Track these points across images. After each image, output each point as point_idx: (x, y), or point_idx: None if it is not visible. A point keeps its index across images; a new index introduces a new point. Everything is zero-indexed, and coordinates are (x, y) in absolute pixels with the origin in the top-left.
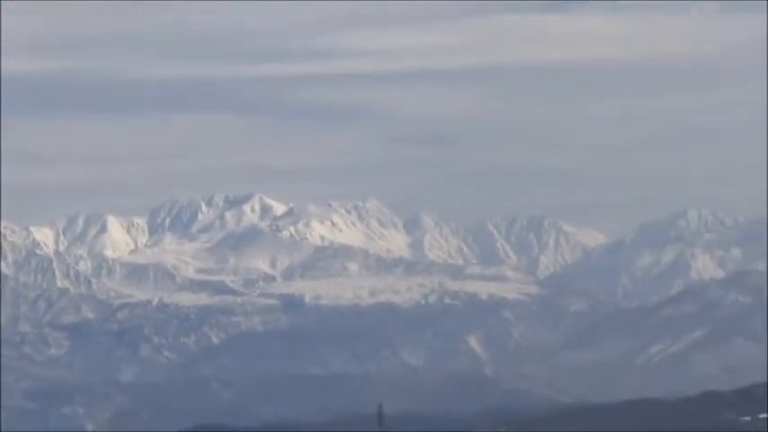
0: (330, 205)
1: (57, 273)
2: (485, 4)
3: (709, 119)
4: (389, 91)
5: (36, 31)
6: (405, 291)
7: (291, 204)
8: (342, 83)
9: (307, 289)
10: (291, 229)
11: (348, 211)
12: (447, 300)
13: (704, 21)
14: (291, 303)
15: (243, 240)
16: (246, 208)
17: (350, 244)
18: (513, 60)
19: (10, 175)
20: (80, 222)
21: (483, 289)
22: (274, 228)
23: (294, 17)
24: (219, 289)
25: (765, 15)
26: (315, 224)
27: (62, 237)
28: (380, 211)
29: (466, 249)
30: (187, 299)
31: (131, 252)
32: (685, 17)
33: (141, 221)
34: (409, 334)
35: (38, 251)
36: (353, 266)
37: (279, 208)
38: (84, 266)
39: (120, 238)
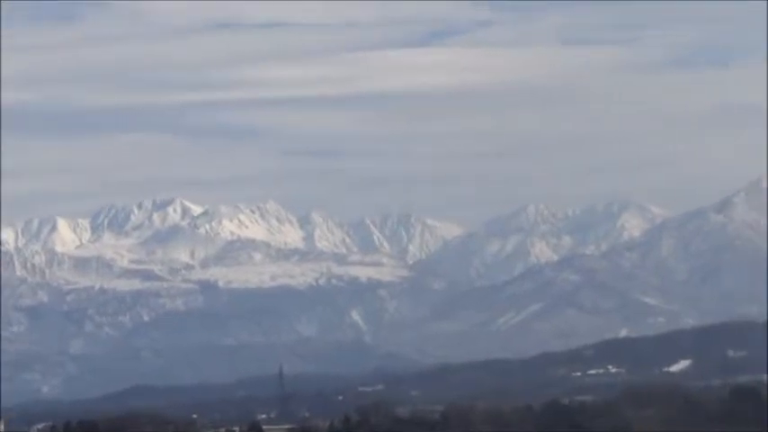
0: (238, 207)
1: (16, 265)
2: (365, 41)
3: (544, 131)
4: (285, 113)
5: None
6: (299, 275)
7: (206, 206)
8: (246, 107)
9: (220, 275)
10: (207, 226)
11: (252, 211)
12: (334, 282)
13: (544, 51)
14: (207, 287)
15: (167, 236)
16: (170, 210)
17: (254, 238)
18: (387, 86)
19: None
20: (35, 224)
21: (363, 273)
22: (193, 226)
23: (206, 53)
24: (149, 276)
25: (598, 47)
26: (226, 222)
27: (20, 236)
28: (279, 211)
29: (348, 241)
30: (123, 284)
31: (77, 247)
32: (528, 49)
33: (85, 222)
34: (303, 310)
35: (1, 248)
36: (258, 256)
37: (196, 209)
38: (39, 259)
39: (68, 236)
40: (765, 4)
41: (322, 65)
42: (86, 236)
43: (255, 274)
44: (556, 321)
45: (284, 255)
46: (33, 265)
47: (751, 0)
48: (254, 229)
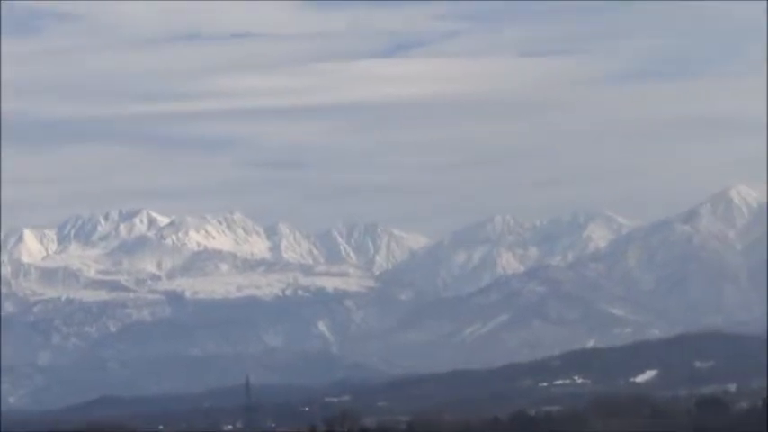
0: (204, 217)
1: None
2: (332, 52)
3: (510, 142)
4: (252, 123)
5: None
6: (266, 286)
7: (173, 217)
8: (213, 117)
9: (186, 285)
10: (173, 237)
11: (219, 222)
12: (300, 292)
13: (510, 62)
14: (174, 297)
15: (134, 247)
16: (137, 221)
17: (221, 248)
18: (354, 97)
19: None
20: (1, 234)
21: (329, 283)
22: (159, 236)
23: (174, 64)
24: (115, 287)
25: (564, 58)
26: (192, 233)
27: None
28: (245, 222)
29: (315, 251)
30: (89, 295)
31: (44, 258)
32: (493, 60)
33: (51, 233)
34: (270, 321)
35: None
36: (224, 267)
37: (163, 220)
38: (6, 270)
39: (34, 247)
40: (723, 16)
41: (289, 75)
42: (53, 246)
43: (222, 285)
44: (522, 332)
45: (251, 265)
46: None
47: (709, 11)
48: (221, 240)
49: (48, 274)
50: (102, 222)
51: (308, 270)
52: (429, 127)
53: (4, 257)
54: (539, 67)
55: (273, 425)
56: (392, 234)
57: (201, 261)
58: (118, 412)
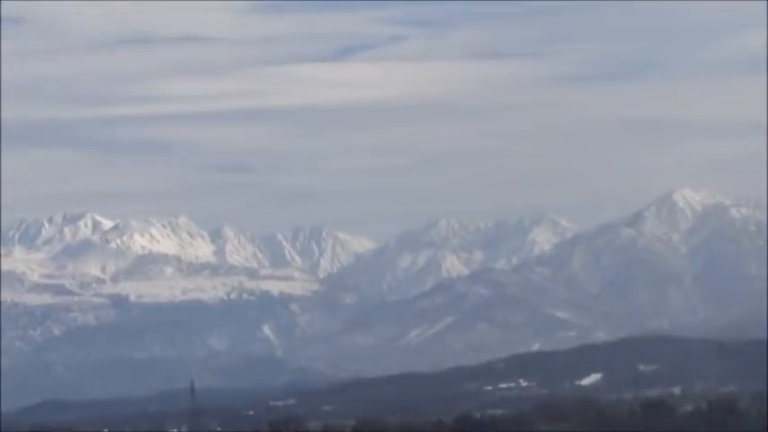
0: (149, 221)
1: None
2: (276, 56)
3: (455, 146)
4: (196, 127)
5: None
6: (211, 289)
7: (117, 221)
8: (157, 121)
9: (131, 289)
10: (118, 240)
11: (164, 226)
12: (245, 296)
13: (454, 66)
14: (118, 301)
15: (78, 251)
16: (81, 224)
17: (165, 252)
18: (298, 101)
19: None
20: None
21: (274, 287)
22: (104, 240)
23: (118, 68)
24: (60, 290)
25: (507, 61)
26: (137, 236)
27: None
28: (190, 225)
29: (260, 255)
30: (34, 299)
31: None
32: (438, 63)
33: None
34: (215, 324)
35: None
36: (169, 270)
37: (107, 224)
38: None
39: None
40: (669, 20)
41: (234, 79)
42: None
43: (167, 289)
44: (467, 335)
45: (195, 269)
46: None
47: (657, 15)
48: (166, 244)
49: None
50: (47, 226)
51: (252, 274)
52: (374, 131)
53: None
54: (484, 71)
55: (218, 428)
56: (337, 238)
57: (146, 265)
58: (63, 416)
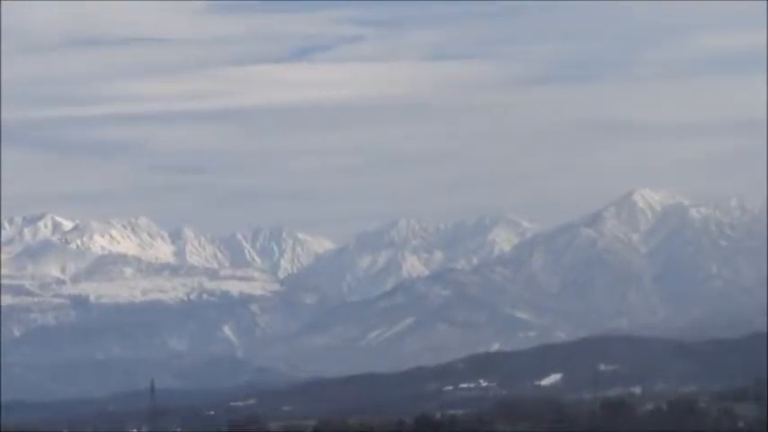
0: (109, 222)
1: None
2: (233, 56)
3: (414, 146)
4: (155, 128)
5: None
6: (171, 290)
7: (77, 221)
8: (116, 122)
9: (91, 290)
10: (78, 241)
11: (124, 227)
12: (205, 296)
13: (412, 67)
14: (79, 302)
15: (38, 251)
16: (41, 225)
17: (126, 253)
18: (256, 102)
19: None
20: None
21: (234, 287)
22: (64, 241)
23: (75, 69)
24: (20, 291)
25: (465, 62)
26: (97, 237)
27: None
28: (150, 226)
29: (220, 255)
30: None
31: None
32: (396, 64)
33: None
34: (175, 325)
35: None
36: (129, 271)
37: (67, 225)
38: None
39: None
40: (627, 21)
41: (192, 80)
42: None
43: (127, 289)
44: (427, 336)
45: (155, 269)
46: None
47: (615, 16)
48: (126, 244)
49: None
50: (7, 227)
51: (212, 274)
52: (333, 131)
53: None
54: (442, 72)
55: (178, 429)
56: (297, 238)
57: (106, 265)
58: (24, 417)
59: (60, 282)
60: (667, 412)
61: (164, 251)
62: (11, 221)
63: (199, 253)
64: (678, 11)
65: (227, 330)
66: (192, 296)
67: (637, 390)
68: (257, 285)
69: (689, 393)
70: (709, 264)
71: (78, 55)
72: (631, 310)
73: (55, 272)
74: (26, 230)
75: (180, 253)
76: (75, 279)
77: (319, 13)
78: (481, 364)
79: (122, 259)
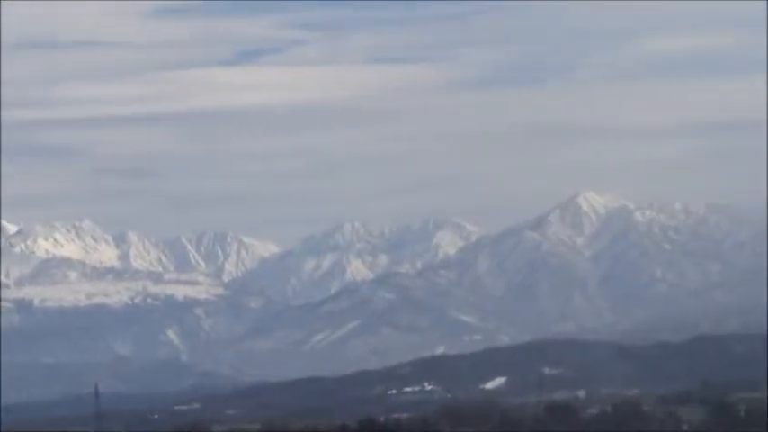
0: (53, 225)
1: None
2: (177, 60)
3: (359, 150)
4: (100, 132)
5: None
6: (115, 294)
7: (21, 225)
8: (60, 125)
9: (35, 294)
10: (22, 245)
11: (68, 230)
12: (150, 300)
13: (357, 70)
14: (23, 306)
15: None
16: None
17: (70, 256)
18: (200, 105)
19: None
20: None
21: (179, 291)
22: (7, 245)
23: (20, 72)
24: None
25: (410, 66)
26: (41, 241)
27: None
28: (94, 230)
29: (164, 259)
30: None
31: None
32: (340, 67)
33: None
34: (119, 329)
35: None
36: (73, 275)
37: (11, 228)
38: None
39: None
40: (570, 24)
41: (136, 83)
42: None
43: (71, 293)
44: (372, 339)
45: (100, 273)
46: None
47: (558, 20)
48: (70, 248)
49: None
50: None
51: (157, 278)
52: (278, 135)
53: None
54: (386, 75)
55: None
56: (242, 242)
57: (50, 269)
58: None
59: (4, 286)
60: (612, 415)
61: (108, 255)
62: None
63: (143, 257)
64: (620, 14)
65: (171, 334)
66: (137, 300)
67: (581, 393)
68: (202, 289)
69: (633, 397)
70: (654, 267)
71: (22, 58)
72: (576, 313)
73: None
74: None
75: (124, 257)
76: (19, 283)
77: (264, 17)
78: (426, 368)
79: (66, 263)
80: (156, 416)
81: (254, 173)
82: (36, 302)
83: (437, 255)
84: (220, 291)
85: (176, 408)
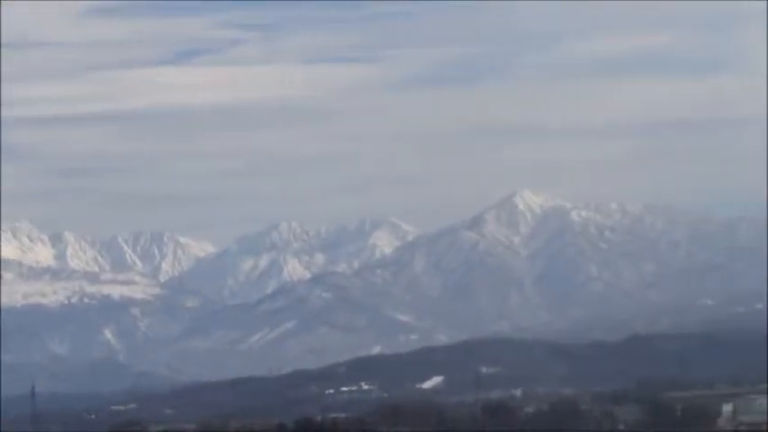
0: None
1: None
2: (115, 59)
3: (294, 149)
4: (36, 132)
5: None
6: (51, 294)
7: None
8: None
9: None
10: None
11: (4, 230)
12: (86, 300)
13: (294, 70)
14: None
15: None
16: None
17: (6, 257)
18: (137, 105)
19: None
20: None
21: (115, 291)
22: None
23: None
24: None
25: (347, 66)
26: None
27: None
28: (30, 230)
29: (101, 259)
30: None
31: None
32: (277, 67)
33: None
34: (56, 329)
35: None
36: (9, 275)
37: None
38: None
39: None
40: (508, 24)
41: (72, 83)
42: None
43: (7, 294)
44: (309, 339)
45: (36, 273)
46: None
47: (497, 19)
48: (6, 248)
49: None
50: None
51: (93, 278)
52: (214, 135)
53: None
54: (324, 75)
55: None
56: (178, 242)
57: None
58: None
59: None
60: (549, 414)
61: (44, 255)
62: None
63: (80, 257)
64: (561, 15)
65: (108, 334)
66: (73, 300)
67: (518, 392)
68: (138, 289)
69: (570, 396)
70: (590, 266)
71: None
72: (512, 312)
73: None
74: None
75: (61, 257)
76: None
77: (202, 17)
78: (363, 367)
79: (3, 263)
80: (94, 416)
81: (191, 173)
82: None
83: (374, 254)
84: (157, 290)
85: (113, 408)
